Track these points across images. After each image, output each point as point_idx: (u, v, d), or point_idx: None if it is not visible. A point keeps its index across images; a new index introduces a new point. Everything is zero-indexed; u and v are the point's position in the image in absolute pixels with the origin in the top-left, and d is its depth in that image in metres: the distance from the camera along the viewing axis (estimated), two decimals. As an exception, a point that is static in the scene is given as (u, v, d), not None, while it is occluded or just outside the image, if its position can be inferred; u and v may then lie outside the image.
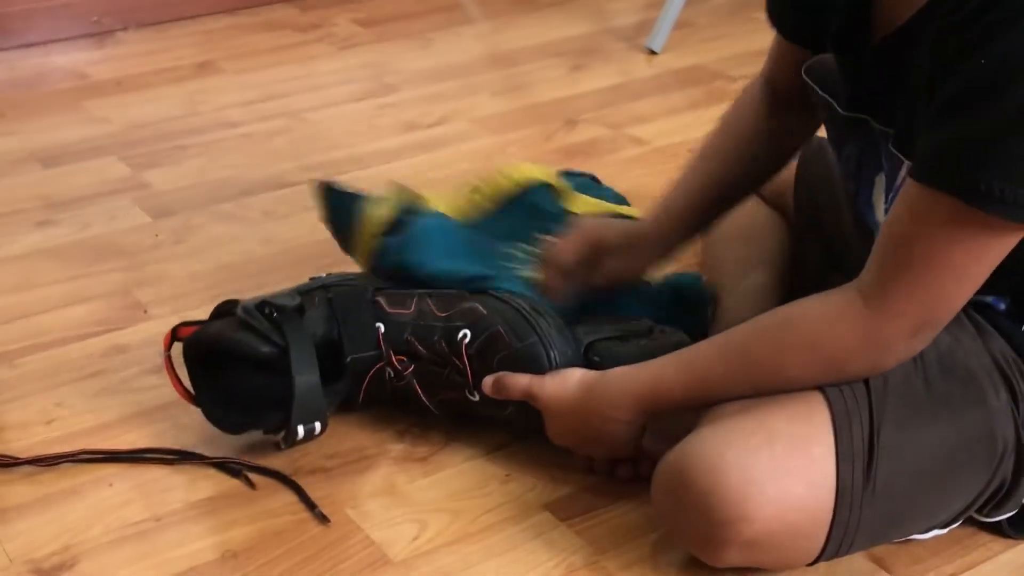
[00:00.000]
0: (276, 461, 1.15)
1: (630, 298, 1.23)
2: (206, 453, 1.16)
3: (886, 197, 1.01)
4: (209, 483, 1.13)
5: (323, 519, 1.08)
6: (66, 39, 2.25)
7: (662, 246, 1.22)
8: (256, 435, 1.18)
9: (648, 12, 2.28)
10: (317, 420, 1.12)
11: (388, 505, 1.10)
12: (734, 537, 0.92)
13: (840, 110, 1.02)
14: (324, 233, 1.55)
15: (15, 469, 1.15)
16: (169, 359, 1.17)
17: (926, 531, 1.02)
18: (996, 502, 1.01)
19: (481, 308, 1.14)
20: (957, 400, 0.97)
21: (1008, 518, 1.03)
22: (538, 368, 1.09)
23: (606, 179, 1.64)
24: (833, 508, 0.94)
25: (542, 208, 1.32)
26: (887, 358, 0.94)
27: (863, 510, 0.94)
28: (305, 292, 1.19)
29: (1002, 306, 1.01)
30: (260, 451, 1.16)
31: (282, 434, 1.12)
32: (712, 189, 1.20)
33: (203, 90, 2.04)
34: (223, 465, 1.15)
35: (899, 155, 0.94)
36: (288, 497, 1.11)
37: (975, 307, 1.01)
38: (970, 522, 1.03)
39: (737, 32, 2.20)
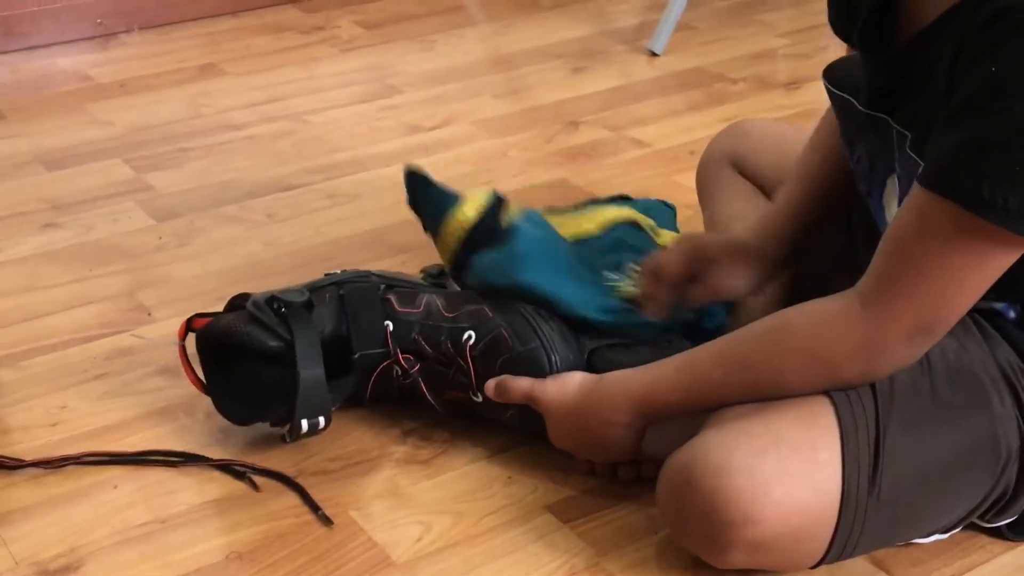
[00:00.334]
0: (280, 463, 1.15)
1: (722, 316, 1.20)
2: (210, 455, 1.16)
3: (899, 200, 1.00)
4: (213, 485, 1.13)
5: (327, 521, 1.08)
6: (70, 41, 2.25)
7: (765, 262, 1.18)
8: (260, 436, 1.18)
9: (649, 14, 2.28)
10: (321, 415, 1.12)
11: (391, 507, 1.10)
12: (739, 539, 0.92)
13: (860, 107, 1.02)
14: (326, 235, 1.57)
15: (20, 471, 1.15)
16: (183, 349, 1.18)
17: (928, 535, 1.02)
18: (999, 508, 1.01)
19: (488, 310, 1.15)
20: (962, 407, 0.97)
21: (1009, 523, 1.03)
22: (539, 372, 1.10)
23: (607, 182, 1.65)
24: (838, 512, 0.93)
25: (631, 244, 1.27)
26: (883, 363, 0.94)
27: (867, 514, 0.94)
28: (317, 288, 1.20)
29: (1011, 314, 1.01)
30: (264, 452, 1.17)
31: (287, 427, 1.13)
32: (809, 204, 1.18)
33: (206, 92, 2.04)
34: (227, 467, 1.15)
35: (916, 158, 0.94)
36: (292, 499, 1.11)
37: (983, 314, 1.01)
38: (970, 526, 1.03)
39: (738, 35, 2.20)
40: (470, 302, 1.16)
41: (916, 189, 0.89)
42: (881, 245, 0.93)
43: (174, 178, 1.74)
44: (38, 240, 1.58)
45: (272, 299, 1.15)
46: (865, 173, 1.05)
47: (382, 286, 1.20)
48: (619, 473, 1.10)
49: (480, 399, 1.13)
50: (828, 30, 1.10)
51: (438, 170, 1.72)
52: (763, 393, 0.97)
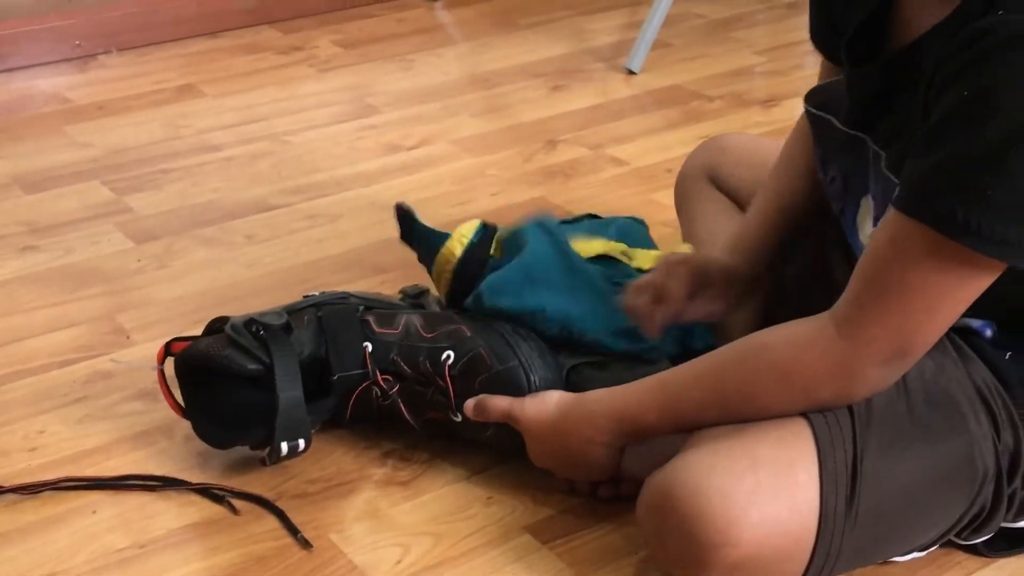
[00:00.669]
0: (259, 486, 1.14)
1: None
2: (189, 479, 1.16)
3: (874, 220, 1.00)
4: (192, 509, 1.13)
5: (306, 544, 1.08)
6: (48, 63, 2.24)
7: (750, 284, 1.20)
8: (240, 459, 1.17)
9: (626, 33, 2.29)
10: (301, 437, 1.12)
11: (371, 529, 1.10)
12: (718, 561, 0.92)
13: (839, 126, 1.02)
14: (306, 256, 1.57)
15: (-2, 497, 1.15)
16: (162, 373, 1.17)
17: (905, 554, 1.02)
18: (975, 526, 1.01)
19: (466, 330, 1.15)
20: (939, 427, 0.97)
21: (984, 541, 1.03)
22: (518, 391, 1.10)
23: (586, 200, 1.65)
24: (816, 533, 0.93)
25: (610, 277, 1.26)
26: (857, 386, 0.94)
27: (845, 535, 0.94)
28: (296, 311, 1.19)
29: (988, 332, 1.01)
30: (244, 476, 1.16)
31: (267, 450, 1.12)
32: (782, 223, 1.20)
33: (185, 114, 2.04)
34: (206, 491, 1.14)
35: (892, 177, 0.94)
36: (271, 522, 1.11)
37: (960, 333, 1.00)
38: (947, 543, 1.03)
39: (713, 52, 2.21)
40: (448, 322, 1.16)
41: (891, 212, 0.89)
42: (857, 268, 0.93)
43: (153, 200, 1.74)
44: (16, 263, 1.57)
45: (251, 322, 1.15)
46: (839, 193, 1.05)
47: (361, 307, 1.20)
48: (599, 492, 1.10)
49: (459, 419, 1.12)
50: (804, 47, 1.11)
51: (417, 189, 1.75)
52: (739, 414, 0.97)
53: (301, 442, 1.12)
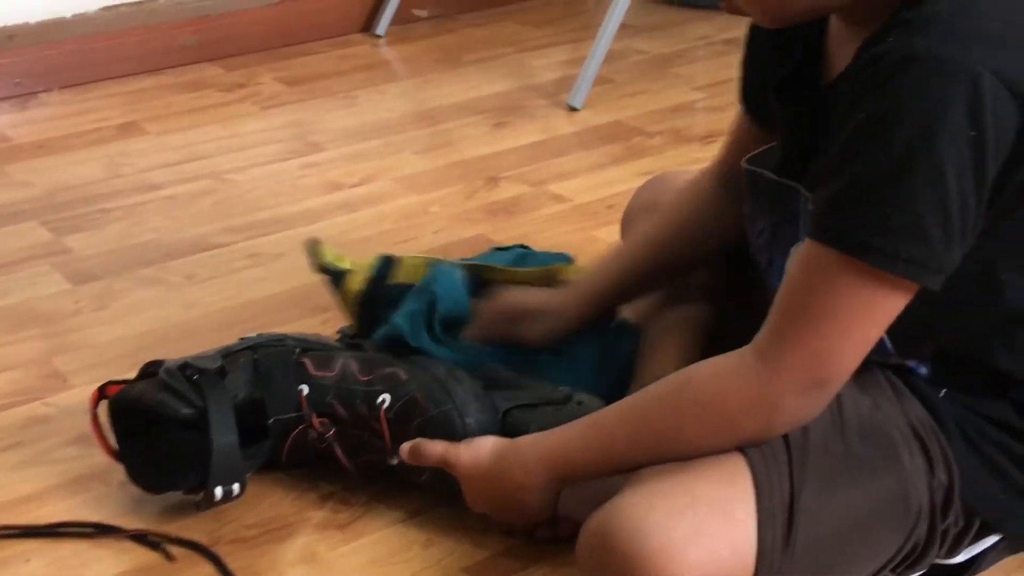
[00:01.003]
0: (196, 532, 1.13)
1: (551, 360, 1.24)
2: (125, 525, 1.14)
3: None
4: (128, 556, 1.11)
5: (243, 590, 1.06)
6: (-13, 102, 2.22)
7: (577, 319, 1.25)
8: (176, 504, 1.16)
9: (569, 69, 2.30)
10: (236, 482, 1.12)
11: (309, 574, 1.09)
12: None
13: (772, 176, 1.03)
14: (247, 296, 1.56)
15: (-71, 546, 1.12)
16: (95, 417, 1.16)
17: (841, 591, 1.02)
18: (909, 563, 1.01)
19: (402, 373, 1.15)
20: (874, 464, 0.97)
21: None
22: (451, 434, 1.09)
23: (527, 237, 1.65)
24: (754, 571, 0.93)
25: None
26: (780, 418, 0.94)
27: (783, 572, 0.94)
28: (232, 353, 1.19)
29: (923, 370, 1.02)
30: (180, 521, 1.15)
31: (201, 495, 1.11)
32: (644, 272, 1.25)
33: (126, 152, 2.02)
34: (142, 537, 1.13)
35: None
36: (207, 568, 1.09)
37: (896, 371, 1.01)
38: (882, 577, 1.03)
39: (653, 88, 2.23)
40: (385, 365, 1.16)
41: (804, 242, 0.91)
42: (775, 298, 0.93)
43: (93, 240, 1.72)
44: (-48, 306, 1.55)
45: (185, 366, 1.14)
46: (767, 245, 1.06)
47: (297, 349, 1.20)
48: (536, 534, 1.09)
49: (396, 462, 1.12)
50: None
51: (360, 227, 1.74)
52: (668, 450, 0.97)
53: (236, 486, 1.11)
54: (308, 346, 1.21)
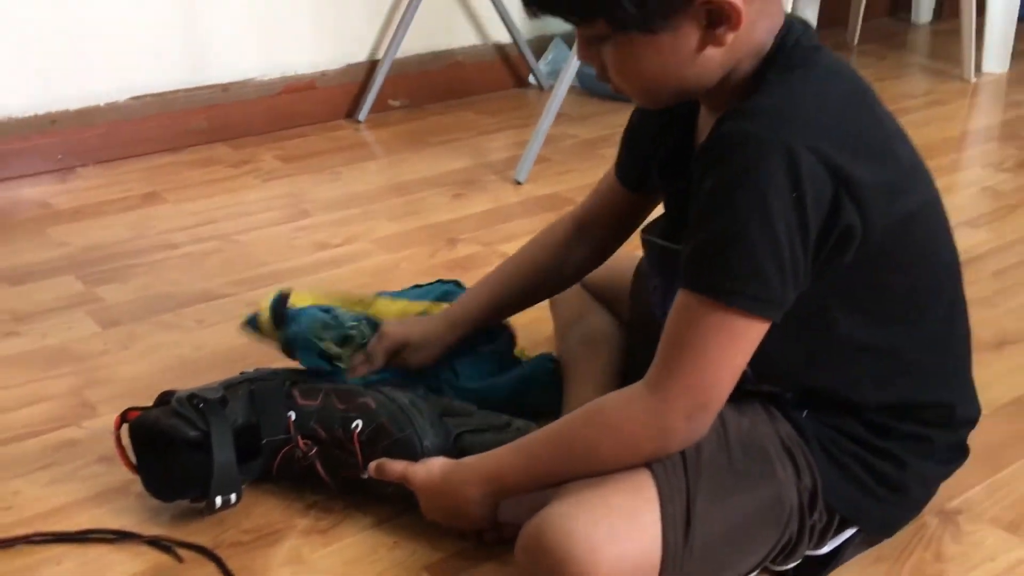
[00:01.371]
0: (201, 537, 1.12)
1: (471, 372, 1.27)
2: (141, 532, 1.13)
3: None
4: (143, 559, 1.10)
5: (240, 586, 1.06)
6: (34, 175, 2.20)
7: (453, 341, 1.27)
8: (184, 512, 1.15)
9: (516, 150, 2.31)
10: (233, 492, 1.11)
11: (296, 572, 1.08)
12: None
13: (659, 242, 1.05)
14: (246, 338, 1.54)
15: (-24, 551, 1.11)
16: (118, 438, 1.15)
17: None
18: (786, 554, 1.02)
19: (372, 403, 1.14)
20: (754, 474, 0.99)
21: (795, 566, 1.05)
22: (411, 454, 1.09)
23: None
24: (660, 566, 0.94)
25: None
26: (671, 439, 0.95)
27: (684, 567, 0.95)
28: (232, 385, 1.18)
29: (789, 396, 1.03)
30: (187, 527, 1.14)
31: (203, 504, 1.11)
32: (505, 298, 1.27)
33: (149, 217, 2.01)
34: (156, 542, 1.12)
35: None
36: (211, 568, 1.08)
37: (768, 398, 1.03)
38: (764, 569, 1.04)
39: (582, 167, 2.24)
40: (359, 396, 1.16)
41: (679, 290, 0.92)
42: (660, 340, 0.95)
43: (119, 291, 1.71)
44: (0, 347, 1.53)
45: (192, 396, 1.14)
46: (660, 300, 1.07)
47: (287, 382, 1.19)
48: (484, 537, 1.09)
49: (367, 477, 1.11)
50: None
51: (342, 280, 1.74)
52: (584, 468, 0.97)
53: (233, 496, 1.11)
54: (296, 379, 1.21)
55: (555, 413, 1.20)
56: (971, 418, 1.09)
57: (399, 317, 1.31)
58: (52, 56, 2.20)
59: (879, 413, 1.02)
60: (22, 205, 2.08)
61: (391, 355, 1.25)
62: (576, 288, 1.35)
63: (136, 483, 1.17)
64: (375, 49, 2.60)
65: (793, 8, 2.73)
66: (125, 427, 1.16)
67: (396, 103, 2.64)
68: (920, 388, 1.03)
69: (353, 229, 1.95)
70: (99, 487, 1.21)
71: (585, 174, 2.19)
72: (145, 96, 2.32)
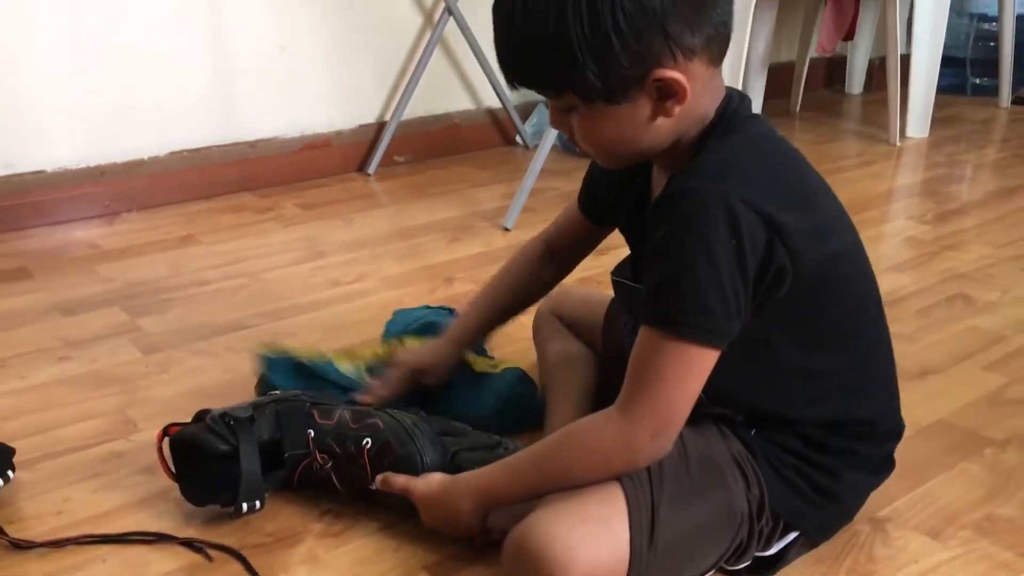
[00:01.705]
0: (229, 538, 1.12)
1: (460, 398, 1.28)
2: (177, 534, 1.13)
3: None
4: (177, 558, 1.10)
5: (263, 582, 1.06)
6: (84, 219, 2.21)
7: (457, 357, 1.29)
8: (215, 515, 1.15)
9: (504, 200, 2.33)
10: (257, 499, 1.11)
11: (311, 571, 1.08)
12: None
13: (626, 282, 1.06)
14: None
15: (32, 551, 1.11)
16: (160, 449, 1.16)
17: (693, 578, 1.04)
18: (738, 555, 1.03)
19: (380, 423, 1.15)
20: (709, 485, 1.00)
21: (746, 567, 1.06)
22: (413, 469, 1.10)
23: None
24: (628, 567, 0.95)
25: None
26: (639, 456, 0.96)
27: (649, 568, 0.96)
28: (260, 405, 1.18)
29: (739, 418, 1.04)
30: (217, 529, 1.14)
31: (232, 508, 1.11)
32: (494, 315, 1.28)
33: (185, 257, 2.02)
34: (189, 543, 1.12)
35: None
36: (237, 567, 1.08)
37: (721, 419, 1.04)
38: (721, 571, 1.05)
39: (565, 215, 2.26)
40: (369, 416, 1.16)
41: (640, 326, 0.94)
42: (627, 370, 0.96)
43: (159, 321, 1.71)
44: (53, 370, 1.53)
45: (224, 414, 1.14)
46: (629, 334, 1.08)
47: (308, 403, 1.19)
48: (476, 542, 1.09)
49: (375, 488, 1.12)
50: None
51: (352, 313, 1.75)
52: (564, 482, 0.97)
53: (258, 503, 1.11)
54: (316, 401, 1.21)
55: (536, 427, 1.22)
56: (896, 431, 1.10)
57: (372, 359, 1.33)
58: (102, 116, 2.22)
59: (815, 429, 1.03)
60: (74, 245, 2.08)
61: (409, 380, 1.27)
62: (553, 321, 1.36)
63: (173, 490, 1.17)
64: (383, 112, 2.62)
65: (743, 80, 2.77)
66: (166, 440, 1.16)
67: (401, 159, 2.66)
68: (848, 405, 1.04)
69: (363, 268, 1.95)
70: (141, 494, 1.21)
71: (564, 222, 2.21)
72: (183, 151, 2.34)
